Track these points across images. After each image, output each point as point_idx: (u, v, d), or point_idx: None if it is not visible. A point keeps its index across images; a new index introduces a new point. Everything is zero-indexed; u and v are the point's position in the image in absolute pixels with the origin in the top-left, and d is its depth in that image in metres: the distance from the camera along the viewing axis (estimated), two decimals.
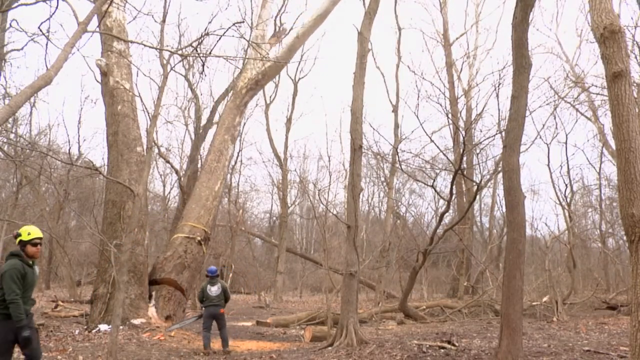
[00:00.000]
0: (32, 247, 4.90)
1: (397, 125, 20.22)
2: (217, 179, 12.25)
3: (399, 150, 15.94)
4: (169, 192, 27.48)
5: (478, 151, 17.25)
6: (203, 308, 9.16)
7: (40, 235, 4.96)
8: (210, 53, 13.71)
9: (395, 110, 20.38)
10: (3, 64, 17.07)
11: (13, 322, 4.63)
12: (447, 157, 15.41)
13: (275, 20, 24.59)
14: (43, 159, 18.50)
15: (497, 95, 18.72)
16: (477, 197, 21.67)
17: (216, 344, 10.05)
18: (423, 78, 19.94)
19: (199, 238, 11.66)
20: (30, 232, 4.91)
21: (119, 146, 11.49)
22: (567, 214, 16.97)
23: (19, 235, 4.90)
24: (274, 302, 22.16)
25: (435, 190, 15.39)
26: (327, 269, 14.65)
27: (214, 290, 9.06)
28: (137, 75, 24.53)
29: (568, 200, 18.77)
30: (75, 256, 21.74)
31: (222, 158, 12.56)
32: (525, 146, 15.11)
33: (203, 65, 10.86)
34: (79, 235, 24.46)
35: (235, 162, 24.94)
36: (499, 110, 20.24)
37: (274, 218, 31.21)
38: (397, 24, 21.42)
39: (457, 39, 24.46)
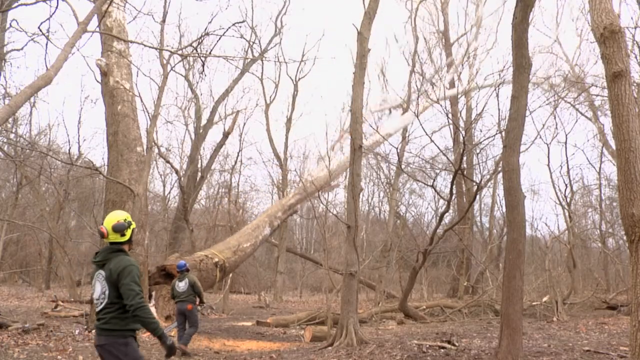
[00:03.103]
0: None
1: (405, 129, 20.29)
2: (247, 241, 13.61)
3: (399, 151, 15.94)
4: (169, 192, 27.47)
5: (478, 151, 17.26)
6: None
7: None
8: (210, 53, 13.76)
9: (404, 113, 20.41)
10: (3, 64, 17.08)
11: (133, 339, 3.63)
12: (447, 157, 15.40)
13: (275, 22, 24.66)
14: (43, 159, 18.51)
15: (497, 95, 18.70)
16: (477, 197, 21.67)
17: (216, 344, 10.06)
18: (424, 78, 19.87)
19: (216, 260, 12.21)
20: (128, 216, 3.83)
21: (119, 146, 11.50)
22: (567, 214, 16.97)
23: (129, 224, 3.77)
24: (274, 302, 22.15)
25: (435, 190, 15.39)
26: (327, 269, 14.64)
27: (181, 285, 8.81)
28: (137, 75, 24.55)
29: (568, 200, 18.77)
30: (75, 256, 21.73)
31: (257, 231, 14.04)
32: (525, 146, 15.10)
33: (203, 65, 10.91)
34: (79, 235, 24.47)
35: (235, 162, 24.93)
36: (499, 110, 20.25)
37: None
38: (415, 33, 21.30)
39: (457, 39, 24.45)
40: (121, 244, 3.70)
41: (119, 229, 3.66)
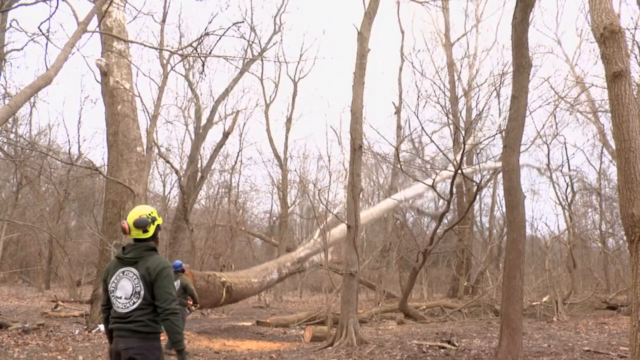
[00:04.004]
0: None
1: (399, 127, 20.37)
2: (255, 277, 14.13)
3: (399, 151, 15.93)
4: (169, 192, 27.42)
5: (478, 151, 17.22)
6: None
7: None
8: (210, 53, 13.76)
9: (398, 112, 20.50)
10: (3, 64, 17.07)
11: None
12: (447, 157, 15.39)
13: (274, 20, 24.65)
14: (43, 159, 18.52)
15: (499, 95, 18.64)
16: (477, 197, 21.64)
17: (216, 344, 10.06)
18: (424, 76, 19.90)
19: (224, 279, 12.39)
20: (153, 211, 3.51)
21: (119, 146, 11.50)
22: (567, 214, 16.96)
23: (154, 219, 3.46)
24: (274, 302, 22.15)
25: (435, 190, 15.36)
26: (327, 269, 14.64)
27: None
28: (137, 75, 24.52)
29: (568, 200, 18.76)
30: (75, 256, 21.74)
31: (265, 272, 14.67)
32: (525, 146, 15.09)
33: (203, 65, 10.91)
34: (79, 235, 24.46)
35: (235, 162, 24.93)
36: (499, 110, 20.21)
37: (274, 218, 31.18)
38: (400, 27, 21.53)
39: (457, 39, 24.46)
40: (144, 240, 3.42)
41: (141, 224, 3.36)
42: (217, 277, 12.28)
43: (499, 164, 18.16)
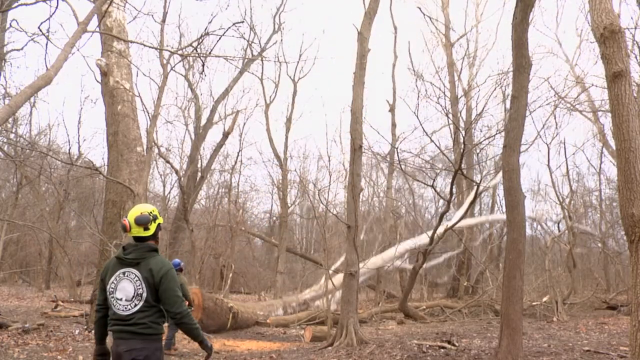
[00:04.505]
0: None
1: (394, 125, 20.37)
2: (260, 310, 14.62)
3: (398, 150, 15.94)
4: (169, 192, 27.39)
5: (478, 151, 17.24)
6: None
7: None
8: (210, 53, 13.76)
9: (392, 109, 20.47)
10: (3, 64, 17.05)
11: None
12: (447, 157, 15.39)
13: (274, 19, 24.65)
14: (43, 159, 18.51)
15: (504, 95, 18.57)
16: (477, 197, 21.63)
17: (216, 344, 10.06)
18: (422, 76, 19.84)
19: (231, 304, 12.67)
20: (154, 210, 3.48)
21: (119, 146, 11.50)
22: (567, 214, 16.95)
23: (155, 217, 3.42)
24: None
25: (435, 190, 15.38)
26: (327, 269, 14.65)
27: None
28: (137, 75, 24.46)
29: (568, 200, 18.74)
30: (75, 256, 21.73)
31: (270, 307, 15.25)
32: (525, 146, 15.06)
33: (203, 65, 10.90)
34: (79, 235, 24.45)
35: (235, 162, 24.91)
36: (504, 110, 20.17)
37: (274, 218, 31.17)
38: (393, 23, 21.56)
39: (457, 39, 24.44)
40: (145, 239, 3.37)
41: (142, 221, 3.32)
42: (225, 302, 12.54)
43: (501, 217, 18.41)
